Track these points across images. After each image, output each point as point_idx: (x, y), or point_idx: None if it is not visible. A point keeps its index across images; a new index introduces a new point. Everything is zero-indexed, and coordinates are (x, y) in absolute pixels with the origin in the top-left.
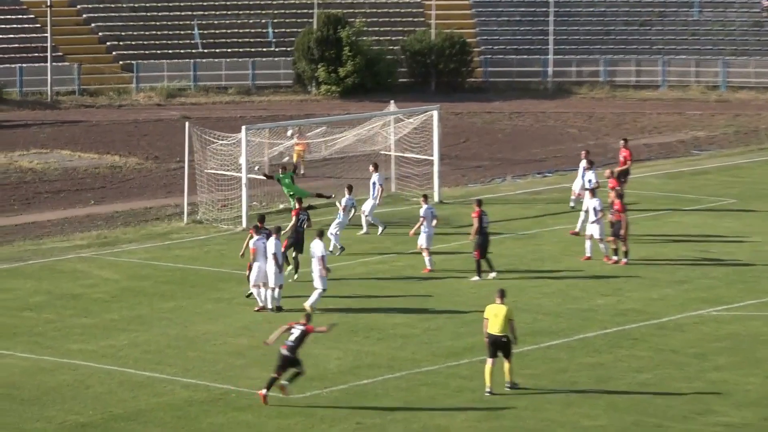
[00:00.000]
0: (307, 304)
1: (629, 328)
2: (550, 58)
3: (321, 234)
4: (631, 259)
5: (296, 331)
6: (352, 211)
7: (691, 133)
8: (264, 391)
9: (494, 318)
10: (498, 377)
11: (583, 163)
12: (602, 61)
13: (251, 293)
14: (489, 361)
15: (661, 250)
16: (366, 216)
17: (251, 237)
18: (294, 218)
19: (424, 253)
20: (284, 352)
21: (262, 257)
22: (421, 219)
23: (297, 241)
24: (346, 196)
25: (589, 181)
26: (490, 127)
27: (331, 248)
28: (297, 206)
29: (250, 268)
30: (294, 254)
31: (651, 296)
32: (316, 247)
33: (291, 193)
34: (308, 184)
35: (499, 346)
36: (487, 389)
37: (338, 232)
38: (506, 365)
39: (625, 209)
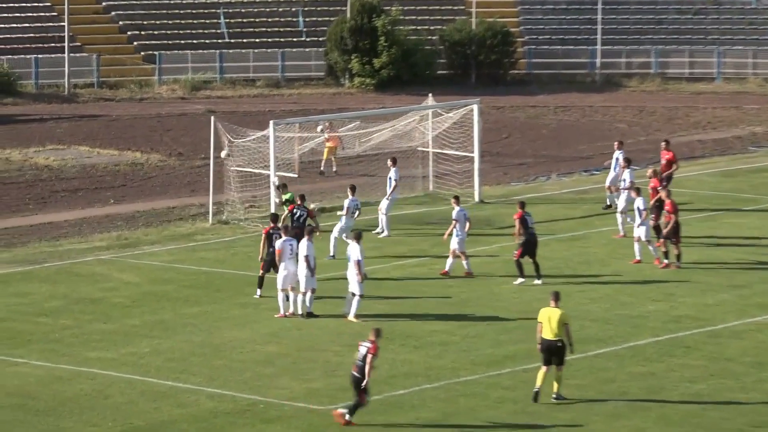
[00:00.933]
0: (351, 317)
1: (682, 335)
2: (598, 49)
3: (358, 237)
4: (684, 263)
5: (362, 349)
6: (356, 213)
7: (748, 129)
8: (347, 416)
9: (548, 322)
10: (544, 387)
11: (617, 155)
12: (653, 51)
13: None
14: (544, 368)
15: (715, 252)
16: (384, 214)
17: (270, 236)
18: (289, 215)
19: (462, 258)
20: (354, 373)
21: (289, 260)
22: (454, 222)
23: (297, 237)
24: (349, 197)
25: (623, 180)
26: (533, 122)
27: (332, 252)
28: (298, 201)
29: (264, 269)
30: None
31: (705, 302)
32: (352, 250)
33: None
34: (340, 183)
35: (553, 352)
36: (536, 388)
37: (344, 237)
38: (557, 374)
39: (676, 209)
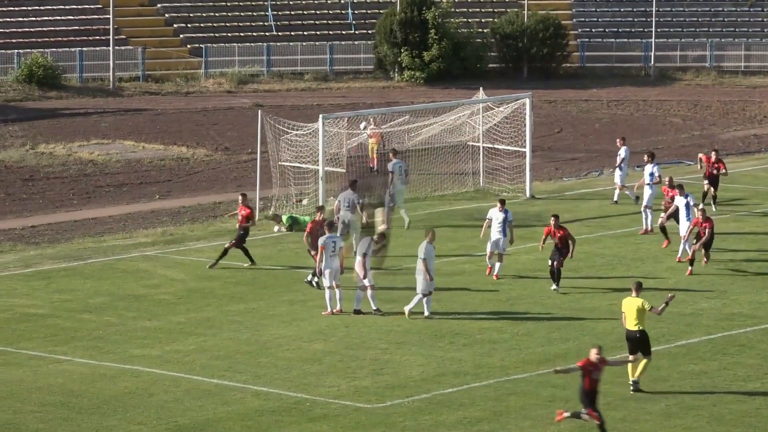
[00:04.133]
0: (406, 309)
1: (736, 333)
2: (652, 42)
3: (429, 235)
4: (739, 260)
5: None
6: (356, 208)
7: None
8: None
9: (628, 312)
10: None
11: (622, 152)
12: (708, 44)
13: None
14: (631, 357)
15: None
16: (392, 205)
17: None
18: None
19: (499, 259)
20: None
21: (332, 257)
22: (509, 223)
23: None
24: (348, 191)
25: (651, 174)
26: (586, 117)
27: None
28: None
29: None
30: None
31: (760, 299)
32: (420, 249)
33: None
34: (385, 179)
35: (634, 342)
36: (630, 380)
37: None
38: (642, 362)
39: (712, 225)
